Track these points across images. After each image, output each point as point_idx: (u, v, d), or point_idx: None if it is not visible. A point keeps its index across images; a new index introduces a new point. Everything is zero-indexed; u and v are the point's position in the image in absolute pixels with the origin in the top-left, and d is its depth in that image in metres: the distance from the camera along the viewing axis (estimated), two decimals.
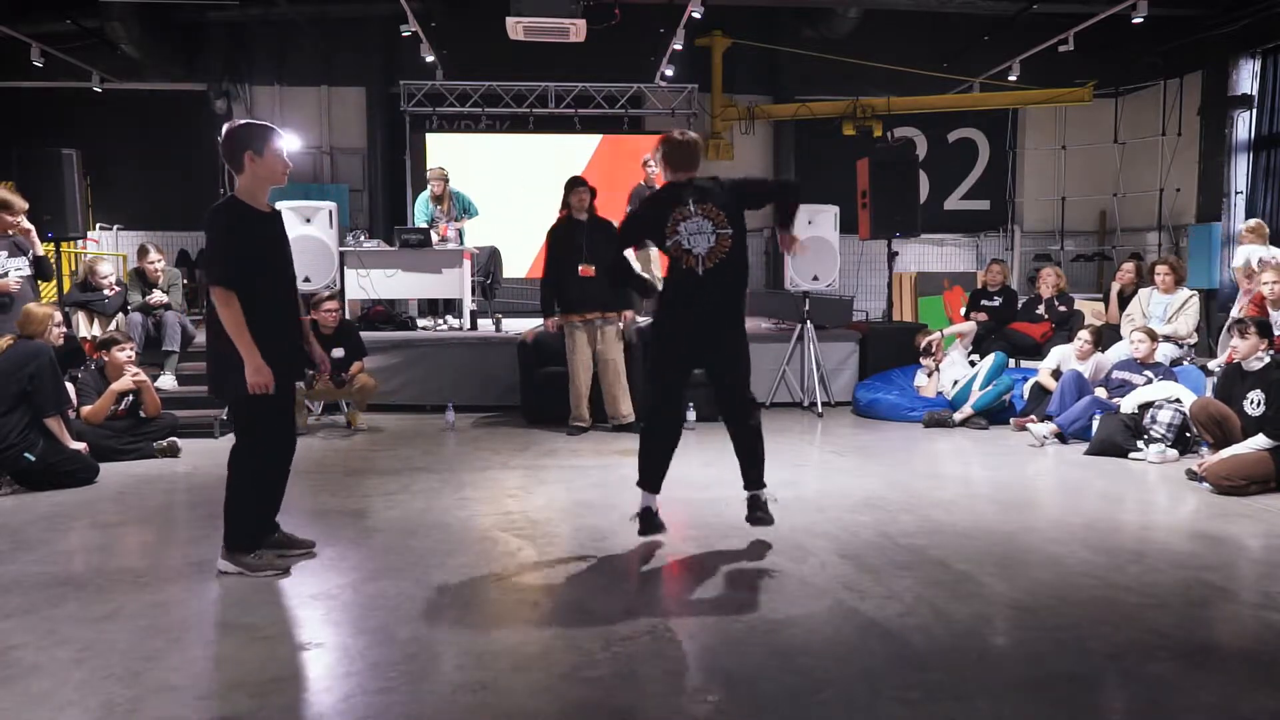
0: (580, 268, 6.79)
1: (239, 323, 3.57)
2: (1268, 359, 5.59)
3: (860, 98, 12.00)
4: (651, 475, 4.15)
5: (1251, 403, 5.47)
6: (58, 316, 5.78)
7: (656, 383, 4.19)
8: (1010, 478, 5.74)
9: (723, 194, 4.01)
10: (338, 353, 7.13)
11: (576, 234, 6.85)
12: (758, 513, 4.14)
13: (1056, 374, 7.21)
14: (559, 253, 6.91)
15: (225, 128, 3.77)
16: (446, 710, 2.63)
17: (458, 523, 4.58)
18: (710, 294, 3.96)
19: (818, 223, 8.56)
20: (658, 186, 10.31)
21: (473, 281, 9.08)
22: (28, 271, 6.44)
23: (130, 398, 6.26)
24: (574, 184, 6.93)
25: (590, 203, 6.90)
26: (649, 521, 4.11)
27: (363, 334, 7.66)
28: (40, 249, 6.61)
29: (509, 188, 11.60)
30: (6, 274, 6.36)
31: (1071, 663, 2.94)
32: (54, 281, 7.77)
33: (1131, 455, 6.09)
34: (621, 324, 7.05)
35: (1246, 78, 10.73)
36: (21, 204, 6.49)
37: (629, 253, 9.51)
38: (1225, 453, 5.30)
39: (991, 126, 13.28)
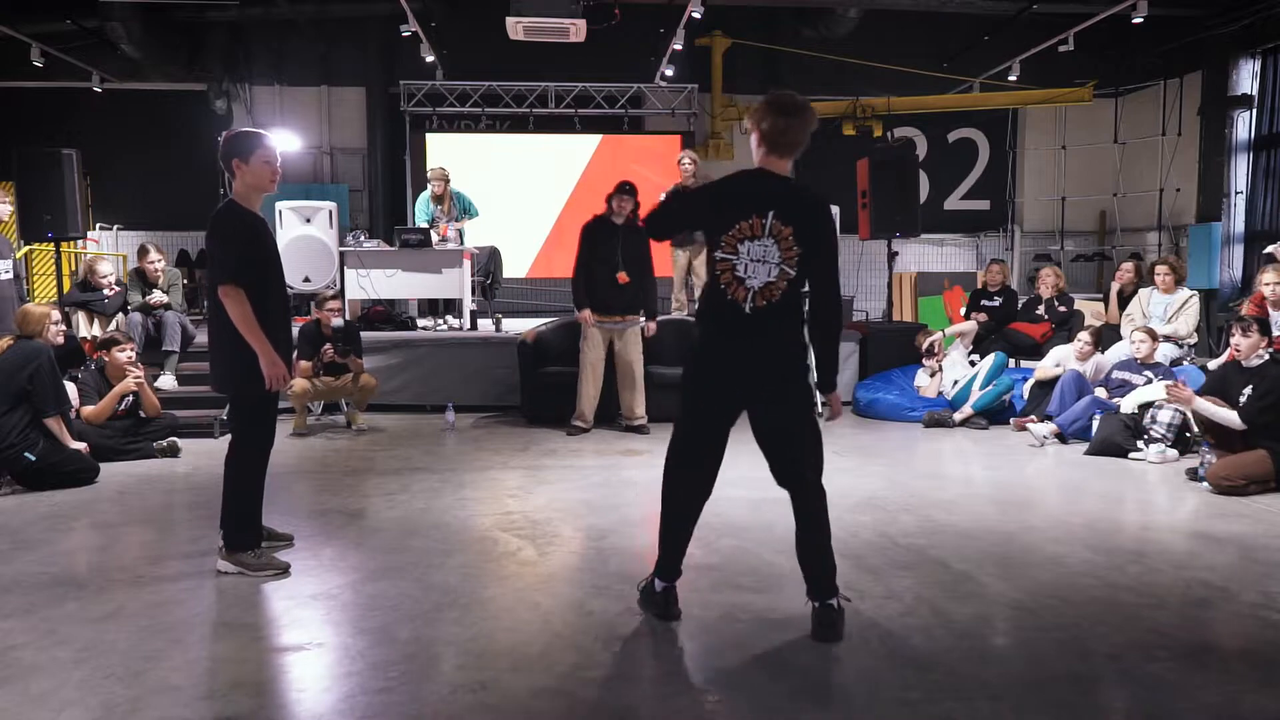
0: (618, 275, 6.81)
1: (250, 318, 3.65)
2: (1266, 356, 5.60)
3: (860, 98, 11.98)
4: (672, 555, 3.27)
5: (1246, 397, 5.48)
6: (55, 315, 5.78)
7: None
8: (1010, 478, 5.74)
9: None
10: (336, 321, 7.14)
11: (611, 237, 6.87)
12: (830, 629, 3.10)
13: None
14: (589, 251, 6.93)
15: (222, 135, 3.83)
16: (446, 710, 2.63)
17: (458, 523, 4.58)
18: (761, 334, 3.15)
19: None
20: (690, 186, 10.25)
21: (473, 281, 9.08)
22: (7, 275, 6.43)
23: (130, 398, 6.26)
24: (622, 189, 6.93)
25: (632, 211, 6.91)
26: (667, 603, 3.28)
27: (363, 334, 7.67)
28: None
29: (509, 188, 11.59)
30: None
31: (1071, 663, 2.94)
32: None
33: (1131, 455, 6.09)
34: (641, 327, 7.06)
35: (1246, 78, 10.72)
36: None
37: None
38: (1200, 402, 5.48)
39: (991, 126, 13.28)
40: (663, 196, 8.80)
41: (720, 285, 3.11)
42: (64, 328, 6.01)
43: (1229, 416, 5.36)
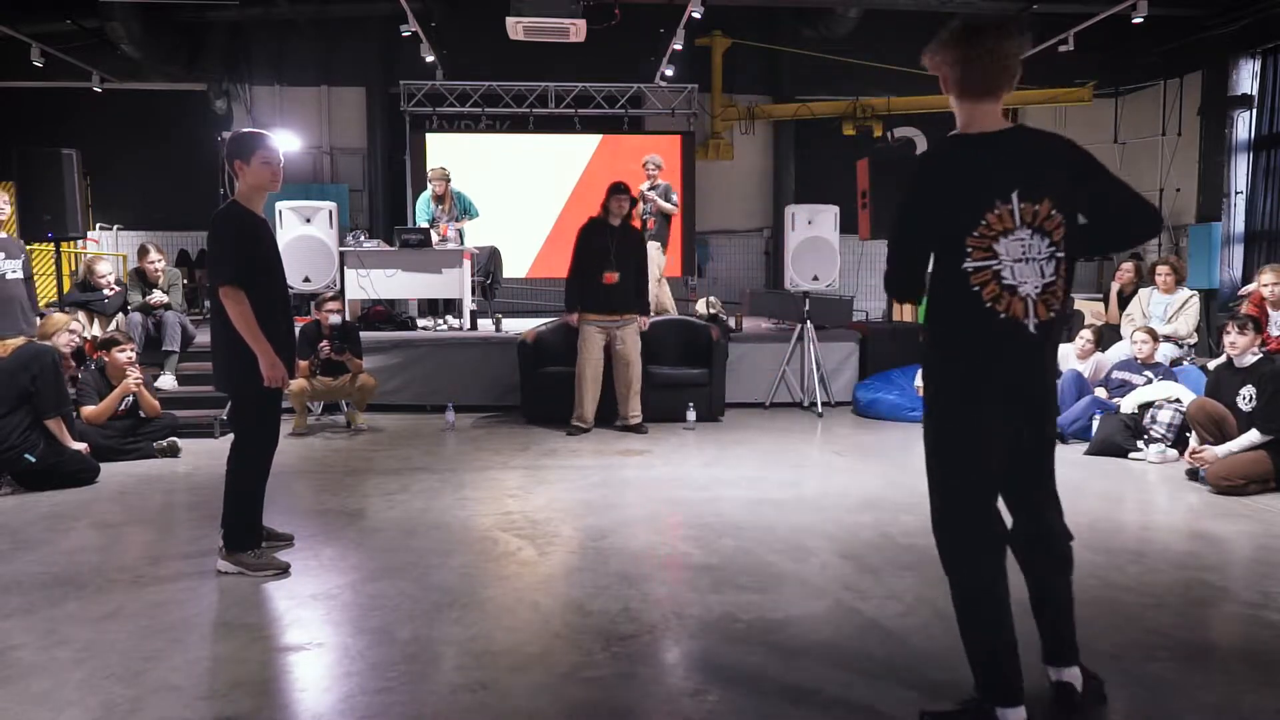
0: (606, 274, 6.82)
1: (249, 318, 3.67)
2: (1260, 354, 5.61)
3: (860, 98, 11.99)
4: (1013, 664, 2.37)
5: (1244, 399, 5.48)
6: (74, 326, 5.85)
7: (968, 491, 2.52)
8: None
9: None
10: (334, 319, 7.13)
11: (606, 237, 6.89)
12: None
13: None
14: (585, 252, 6.94)
15: (224, 136, 3.87)
16: (446, 710, 2.63)
17: (458, 523, 4.58)
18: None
19: (817, 223, 8.58)
20: (657, 184, 10.51)
21: (473, 281, 9.09)
22: (20, 274, 6.43)
23: (130, 398, 6.27)
24: (617, 189, 6.96)
25: (629, 212, 6.95)
26: None
27: (363, 334, 7.67)
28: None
29: (509, 188, 11.60)
30: (4, 275, 6.36)
31: None
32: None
33: (1131, 455, 6.09)
34: (638, 324, 7.10)
35: (1246, 78, 10.72)
36: None
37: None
38: (1220, 450, 5.30)
39: None
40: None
41: (984, 302, 2.35)
42: (76, 340, 6.05)
43: (1248, 440, 5.25)
